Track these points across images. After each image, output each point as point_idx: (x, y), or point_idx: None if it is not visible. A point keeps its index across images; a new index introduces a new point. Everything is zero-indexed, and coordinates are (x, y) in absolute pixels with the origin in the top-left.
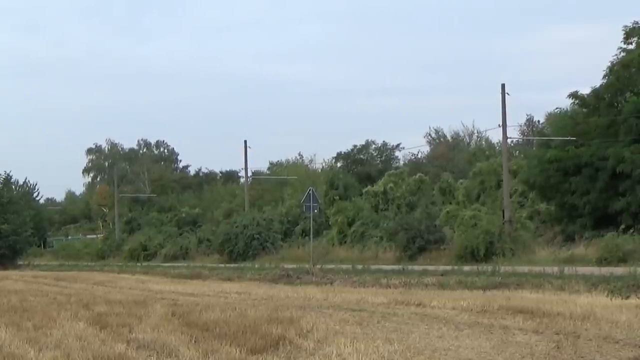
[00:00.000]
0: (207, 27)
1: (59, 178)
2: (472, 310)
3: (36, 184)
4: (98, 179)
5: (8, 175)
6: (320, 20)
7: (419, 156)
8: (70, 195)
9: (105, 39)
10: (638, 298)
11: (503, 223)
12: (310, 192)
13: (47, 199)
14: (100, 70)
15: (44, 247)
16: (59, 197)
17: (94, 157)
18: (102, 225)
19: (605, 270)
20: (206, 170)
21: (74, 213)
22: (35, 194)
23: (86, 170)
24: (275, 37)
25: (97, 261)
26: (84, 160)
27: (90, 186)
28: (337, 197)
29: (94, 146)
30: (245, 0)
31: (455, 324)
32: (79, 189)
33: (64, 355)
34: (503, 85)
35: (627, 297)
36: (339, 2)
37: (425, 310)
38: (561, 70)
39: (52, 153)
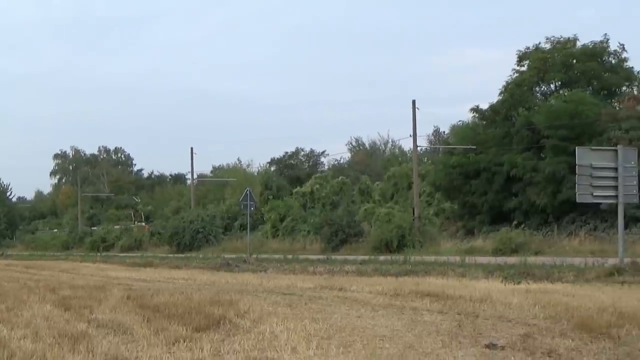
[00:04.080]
0: (161, 47)
1: (29, 179)
2: (386, 294)
3: (9, 185)
4: (63, 181)
5: None
6: (260, 44)
7: (342, 161)
8: (39, 195)
9: (72, 57)
10: (527, 283)
11: (413, 219)
12: (248, 192)
13: (19, 198)
14: (66, 84)
15: (15, 239)
16: (29, 196)
17: (60, 161)
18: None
19: (500, 259)
20: (157, 173)
21: (42, 210)
22: (8, 193)
23: (53, 173)
24: (222, 56)
25: (63, 251)
26: (51, 164)
27: (56, 187)
28: (271, 197)
29: (60, 152)
30: (196, 25)
31: (371, 305)
32: (46, 189)
33: (32, 333)
34: (414, 101)
35: (519, 283)
36: (275, 28)
37: (346, 294)
38: (464, 87)
39: (23, 158)
